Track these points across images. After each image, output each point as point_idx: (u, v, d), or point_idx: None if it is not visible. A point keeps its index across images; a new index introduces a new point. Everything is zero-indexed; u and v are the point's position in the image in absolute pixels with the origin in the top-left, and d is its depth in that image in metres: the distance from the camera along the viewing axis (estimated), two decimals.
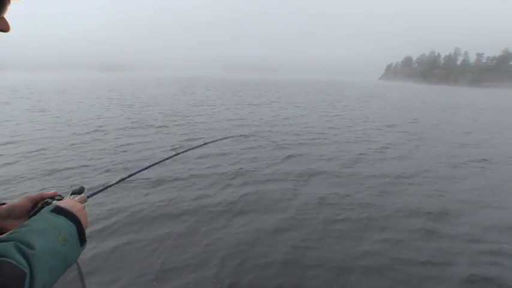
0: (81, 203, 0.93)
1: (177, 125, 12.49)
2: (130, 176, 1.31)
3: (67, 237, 0.72)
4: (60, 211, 0.77)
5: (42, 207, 0.84)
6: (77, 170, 6.66)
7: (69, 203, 0.85)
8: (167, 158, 1.58)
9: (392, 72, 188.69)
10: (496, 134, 13.16)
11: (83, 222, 0.81)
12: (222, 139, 2.45)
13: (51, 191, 0.94)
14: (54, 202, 0.86)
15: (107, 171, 6.68)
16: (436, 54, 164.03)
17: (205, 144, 2.02)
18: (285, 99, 27.34)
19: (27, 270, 0.58)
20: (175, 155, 1.69)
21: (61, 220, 0.75)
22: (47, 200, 0.89)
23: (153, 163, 1.47)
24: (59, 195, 0.95)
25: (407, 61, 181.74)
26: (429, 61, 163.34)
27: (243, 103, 22.54)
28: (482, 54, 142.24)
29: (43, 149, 8.23)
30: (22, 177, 6.10)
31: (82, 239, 0.78)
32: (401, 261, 3.82)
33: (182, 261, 3.66)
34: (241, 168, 7.06)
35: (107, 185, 1.18)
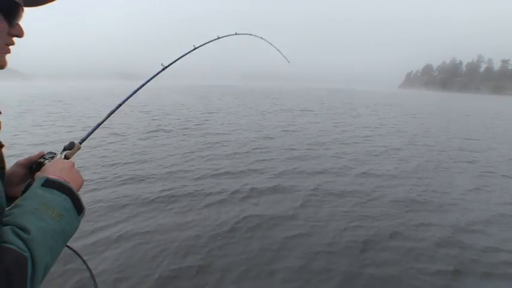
0: (71, 156, 0.94)
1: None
2: (119, 105, 1.29)
3: (61, 212, 0.70)
4: (51, 184, 0.74)
5: (37, 169, 0.83)
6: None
7: (57, 165, 0.82)
8: (157, 74, 1.62)
9: (412, 80, 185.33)
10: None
11: (75, 187, 0.79)
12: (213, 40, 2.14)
13: (37, 152, 0.92)
14: (47, 163, 0.85)
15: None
16: (458, 61, 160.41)
17: (195, 48, 1.91)
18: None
19: (27, 255, 0.58)
20: (164, 68, 1.65)
21: (53, 195, 0.72)
22: (39, 161, 0.87)
23: (140, 85, 1.47)
24: (50, 153, 0.93)
25: (428, 69, 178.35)
26: (450, 69, 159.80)
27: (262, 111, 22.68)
28: (508, 60, 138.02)
29: None
30: None
31: (79, 208, 0.76)
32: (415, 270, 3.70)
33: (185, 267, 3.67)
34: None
35: (96, 125, 1.15)
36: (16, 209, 0.66)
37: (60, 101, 27.55)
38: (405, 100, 46.54)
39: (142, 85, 1.48)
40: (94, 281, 1.09)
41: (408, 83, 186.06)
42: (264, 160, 8.39)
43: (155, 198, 5.60)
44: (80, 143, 1.01)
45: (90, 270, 1.09)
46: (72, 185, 0.78)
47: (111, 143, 10.11)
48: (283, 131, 13.51)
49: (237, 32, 2.40)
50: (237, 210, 5.21)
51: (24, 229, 0.61)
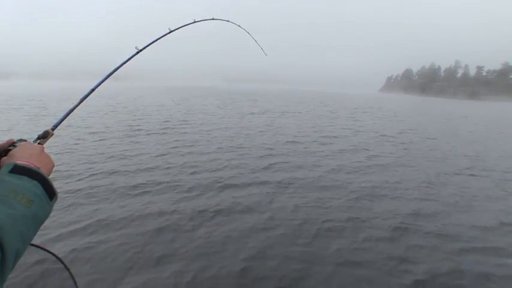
0: (44, 143, 0.93)
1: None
2: (92, 90, 1.27)
3: (31, 198, 0.68)
4: (19, 171, 0.72)
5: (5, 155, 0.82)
6: None
7: (26, 151, 0.81)
8: (131, 58, 1.53)
9: (392, 84, 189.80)
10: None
11: (45, 172, 0.78)
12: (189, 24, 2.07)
13: (6, 139, 0.88)
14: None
15: None
16: (437, 66, 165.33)
17: (170, 32, 1.80)
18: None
19: None
20: (138, 51, 1.57)
21: (22, 181, 0.70)
22: (9, 148, 0.84)
23: (113, 69, 1.45)
24: (21, 140, 0.90)
25: (408, 73, 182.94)
26: (429, 73, 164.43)
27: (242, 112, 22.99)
28: (483, 67, 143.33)
29: None
30: None
31: (50, 192, 0.75)
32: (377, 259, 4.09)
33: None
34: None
35: (69, 110, 1.14)
36: None
37: (41, 101, 27.08)
38: (384, 103, 47.82)
39: (116, 69, 1.45)
40: (74, 281, 1.11)
41: (388, 86, 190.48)
42: (239, 157, 8.74)
43: (128, 191, 5.85)
44: (53, 129, 1.01)
45: (69, 271, 1.10)
46: (43, 170, 0.77)
47: (92, 142, 10.21)
48: (260, 131, 13.89)
49: (214, 18, 2.34)
50: (207, 202, 5.51)
51: None
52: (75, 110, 1.16)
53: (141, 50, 1.57)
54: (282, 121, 18.09)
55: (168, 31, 1.79)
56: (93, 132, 11.74)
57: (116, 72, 1.46)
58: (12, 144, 0.86)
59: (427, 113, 31.38)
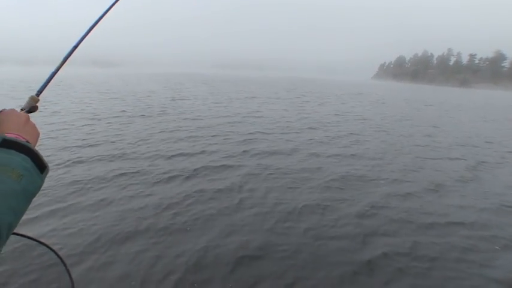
0: (29, 110, 0.92)
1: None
2: (74, 48, 1.19)
3: (21, 173, 0.68)
4: (7, 145, 0.71)
5: None
6: None
7: (12, 121, 0.79)
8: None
9: (385, 71, 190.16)
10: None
11: (32, 142, 0.78)
12: None
13: None
14: None
15: None
16: (429, 54, 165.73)
17: None
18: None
19: None
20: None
21: (11, 155, 0.70)
22: None
23: (93, 23, 1.29)
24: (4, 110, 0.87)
25: (400, 60, 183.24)
26: (422, 61, 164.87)
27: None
28: (475, 55, 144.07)
29: None
30: None
31: (41, 166, 0.74)
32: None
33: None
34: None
35: (52, 72, 1.07)
36: None
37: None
38: (375, 90, 48.09)
39: (98, 20, 1.30)
40: (70, 277, 1.11)
41: (381, 74, 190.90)
42: (221, 141, 8.87)
43: (105, 174, 5.95)
44: (37, 95, 0.97)
45: (65, 266, 1.11)
46: (31, 142, 0.77)
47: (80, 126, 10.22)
48: (244, 117, 13.98)
49: None
50: (184, 185, 5.66)
51: None
52: (59, 72, 1.09)
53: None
54: (266, 107, 18.19)
55: None
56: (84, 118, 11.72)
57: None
58: None
59: (408, 99, 31.74)
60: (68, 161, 6.67)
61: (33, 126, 0.83)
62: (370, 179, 6.47)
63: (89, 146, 7.95)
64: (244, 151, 7.98)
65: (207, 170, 6.47)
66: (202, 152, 7.76)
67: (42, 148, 7.34)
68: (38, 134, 0.83)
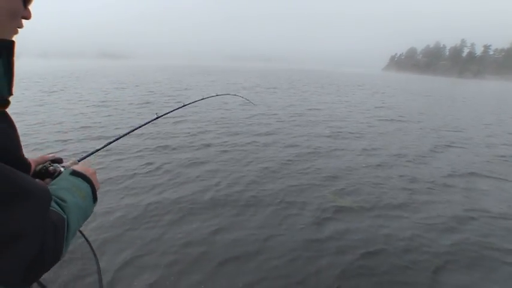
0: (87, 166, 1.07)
1: None
2: (116, 139, 1.49)
3: (85, 195, 0.90)
4: (77, 174, 0.94)
5: (46, 168, 0.99)
6: None
7: (82, 167, 1.00)
8: (150, 121, 1.72)
9: (396, 63, 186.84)
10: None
11: (95, 184, 0.98)
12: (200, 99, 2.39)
13: (50, 154, 1.09)
14: (56, 165, 1.01)
15: None
16: (442, 45, 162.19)
17: (184, 105, 2.11)
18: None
19: (65, 217, 0.77)
20: (157, 117, 1.77)
21: (79, 181, 0.92)
22: (48, 162, 1.02)
23: (138, 126, 1.64)
24: (55, 161, 1.06)
25: (412, 52, 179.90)
26: (434, 52, 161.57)
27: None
28: (490, 46, 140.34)
29: None
30: None
31: (94, 197, 0.95)
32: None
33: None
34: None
35: (95, 150, 1.35)
36: (54, 186, 0.86)
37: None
38: (389, 82, 47.33)
39: (134, 129, 1.60)
40: (99, 273, 1.22)
41: (392, 65, 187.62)
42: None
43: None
44: (78, 161, 1.17)
45: (97, 261, 1.24)
46: (91, 179, 0.97)
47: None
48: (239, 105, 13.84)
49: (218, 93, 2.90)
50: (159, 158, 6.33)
51: (62, 199, 0.81)
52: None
53: (160, 117, 1.80)
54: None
55: (182, 105, 2.12)
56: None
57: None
58: (54, 160, 1.06)
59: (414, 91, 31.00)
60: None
61: (97, 179, 1.01)
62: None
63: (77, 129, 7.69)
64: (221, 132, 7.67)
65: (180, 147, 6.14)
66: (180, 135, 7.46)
67: None
68: (98, 186, 1.01)
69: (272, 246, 3.56)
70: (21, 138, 0.76)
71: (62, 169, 0.99)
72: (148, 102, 14.18)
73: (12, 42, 0.73)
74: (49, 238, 0.70)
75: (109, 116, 10.57)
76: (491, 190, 5.59)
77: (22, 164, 0.79)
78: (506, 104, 23.68)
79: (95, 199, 0.95)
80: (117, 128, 8.76)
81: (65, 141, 7.26)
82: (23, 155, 0.80)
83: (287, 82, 33.10)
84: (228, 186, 5.14)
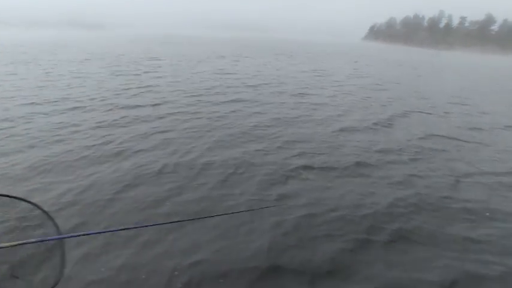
0: None
1: None
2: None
3: None
4: None
5: None
6: None
7: None
8: None
9: (375, 33, 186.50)
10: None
11: None
12: None
13: None
14: None
15: None
16: (421, 16, 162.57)
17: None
18: None
19: None
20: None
21: None
22: None
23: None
24: None
25: (391, 22, 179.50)
26: (413, 23, 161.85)
27: None
28: (466, 18, 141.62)
29: None
30: None
31: None
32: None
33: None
34: None
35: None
36: None
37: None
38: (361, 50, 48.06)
39: None
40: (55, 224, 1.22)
41: (371, 35, 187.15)
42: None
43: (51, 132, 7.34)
44: None
45: (49, 216, 1.23)
46: None
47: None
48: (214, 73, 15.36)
49: None
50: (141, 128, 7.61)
51: None
52: None
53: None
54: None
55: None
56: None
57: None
58: None
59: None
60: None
61: None
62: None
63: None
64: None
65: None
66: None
67: None
68: None
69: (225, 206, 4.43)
70: None
71: None
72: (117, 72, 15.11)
73: None
74: None
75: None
76: (447, 150, 6.67)
77: None
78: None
79: None
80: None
81: None
82: None
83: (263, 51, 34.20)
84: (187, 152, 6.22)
